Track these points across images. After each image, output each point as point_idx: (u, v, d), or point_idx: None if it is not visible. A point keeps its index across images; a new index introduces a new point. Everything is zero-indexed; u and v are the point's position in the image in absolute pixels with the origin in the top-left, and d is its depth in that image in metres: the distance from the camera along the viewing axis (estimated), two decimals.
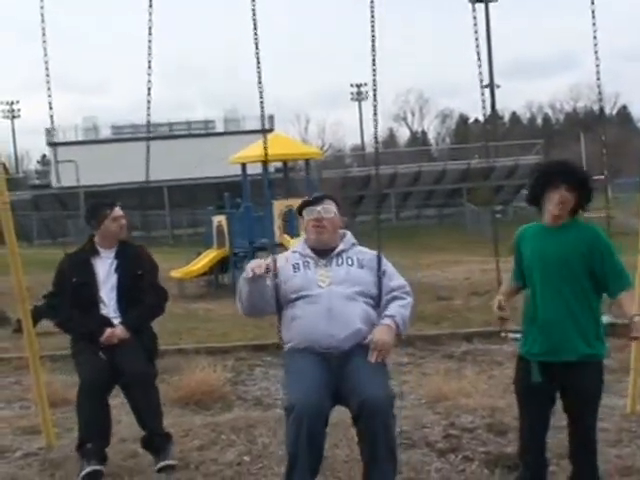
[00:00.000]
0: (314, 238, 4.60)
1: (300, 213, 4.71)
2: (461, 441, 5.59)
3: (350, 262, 4.57)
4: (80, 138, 50.31)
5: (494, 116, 65.90)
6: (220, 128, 51.95)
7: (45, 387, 5.96)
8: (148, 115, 5.18)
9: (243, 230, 18.79)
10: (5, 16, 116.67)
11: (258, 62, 4.67)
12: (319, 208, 4.61)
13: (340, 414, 6.18)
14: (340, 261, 4.57)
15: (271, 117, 49.64)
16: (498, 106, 69.19)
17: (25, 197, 45.69)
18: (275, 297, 4.51)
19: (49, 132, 49.07)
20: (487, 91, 65.56)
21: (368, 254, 4.67)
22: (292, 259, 4.60)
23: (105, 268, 5.40)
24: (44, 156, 73.92)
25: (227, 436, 5.89)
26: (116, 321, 5.31)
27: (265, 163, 16.74)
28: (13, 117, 79.45)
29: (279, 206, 17.80)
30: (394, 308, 4.52)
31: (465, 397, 6.66)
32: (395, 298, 4.57)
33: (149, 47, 4.90)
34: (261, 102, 4.76)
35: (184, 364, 8.07)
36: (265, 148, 5.57)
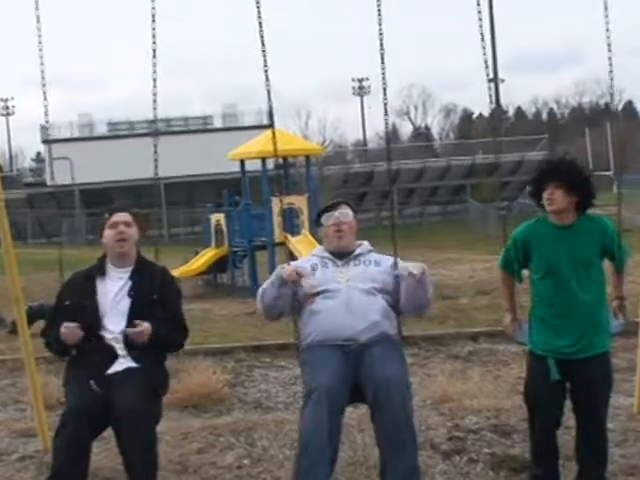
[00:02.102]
0: (335, 244, 4.87)
1: (318, 222, 4.98)
2: (466, 443, 5.60)
3: (367, 263, 4.83)
4: (75, 135, 50.30)
5: (498, 111, 65.80)
6: (218, 124, 51.96)
7: (41, 389, 5.96)
8: (154, 109, 4.80)
9: (242, 228, 18.79)
10: None
11: (265, 63, 4.73)
12: (336, 213, 4.90)
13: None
14: (357, 262, 4.83)
15: (270, 112, 49.62)
16: (503, 100, 69.14)
17: (19, 196, 45.70)
18: (292, 298, 4.71)
19: (44, 129, 49.11)
20: (492, 84, 65.53)
21: (384, 257, 4.90)
22: (310, 261, 4.87)
23: (114, 290, 4.64)
24: (39, 154, 73.99)
25: (226, 439, 5.90)
26: (122, 353, 4.53)
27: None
28: (8, 114, 79.53)
29: (278, 203, 17.77)
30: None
31: (470, 398, 6.66)
32: None
33: (153, 36, 4.64)
34: (268, 92, 4.92)
35: (182, 366, 8.09)
36: (274, 142, 5.44)
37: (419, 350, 9.38)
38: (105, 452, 5.26)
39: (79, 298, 4.63)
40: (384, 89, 4.91)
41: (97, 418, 4.31)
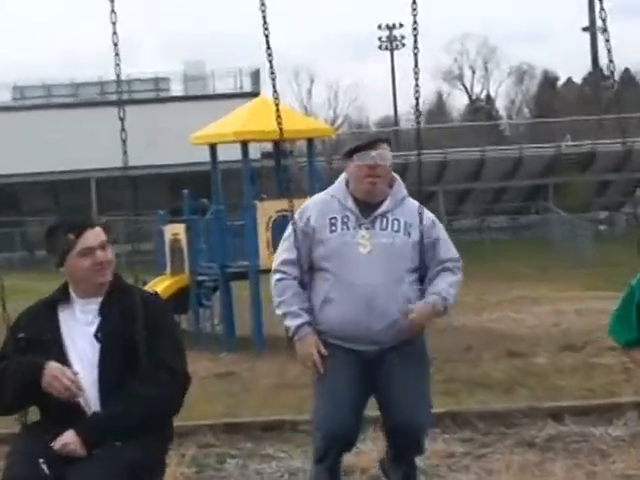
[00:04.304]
0: (366, 190, 5.75)
1: (347, 157, 5.84)
2: None
3: (396, 227, 5.75)
4: None
5: (597, 76, 66.08)
6: (177, 90, 52.15)
7: None
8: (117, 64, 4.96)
9: (211, 247, 18.77)
10: None
11: None
12: (374, 153, 5.76)
13: None
14: (384, 223, 5.77)
15: (256, 73, 49.82)
16: (604, 60, 69.12)
17: None
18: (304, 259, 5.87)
19: None
20: (586, 37, 65.76)
21: (418, 215, 5.83)
22: (329, 209, 5.81)
23: (81, 328, 4.91)
24: None
25: None
26: None
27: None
28: None
29: (267, 210, 17.77)
30: (442, 285, 5.89)
31: None
32: (445, 271, 5.92)
33: None
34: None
35: None
36: (278, 117, 5.98)
37: (474, 433, 9.35)
38: None
39: (37, 333, 4.88)
40: (415, 38, 5.68)
41: None
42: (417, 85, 5.86)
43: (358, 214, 5.76)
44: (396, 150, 53.02)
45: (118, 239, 45.24)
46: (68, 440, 4.65)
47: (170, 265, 19.27)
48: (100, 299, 4.93)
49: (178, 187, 23.49)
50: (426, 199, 47.43)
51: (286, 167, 20.43)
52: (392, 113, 76.91)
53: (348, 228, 5.74)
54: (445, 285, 5.88)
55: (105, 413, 4.75)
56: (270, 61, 5.72)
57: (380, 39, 77.10)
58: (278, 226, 17.83)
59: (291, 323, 5.83)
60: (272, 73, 5.81)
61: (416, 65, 5.77)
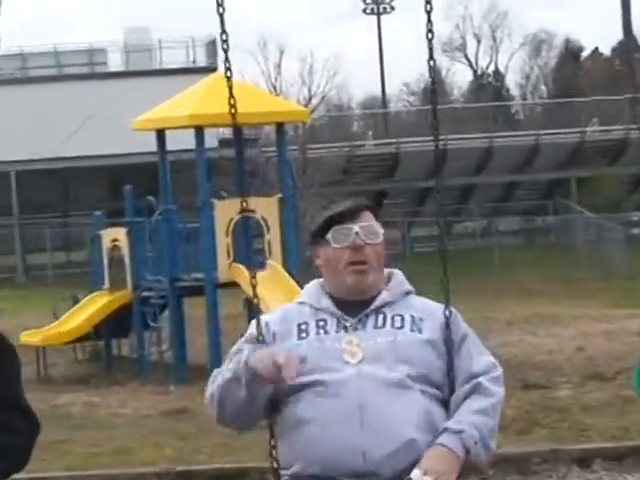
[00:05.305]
0: (352, 283, 4.63)
1: (317, 238, 4.74)
2: None
3: (398, 323, 4.61)
4: None
5: (628, 44, 66.27)
6: (116, 64, 52.01)
7: None
8: None
9: (159, 255, 18.71)
10: None
11: None
12: (357, 228, 4.65)
13: None
14: (380, 321, 4.62)
15: (212, 44, 49.76)
16: (636, 28, 69.44)
17: None
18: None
19: None
20: None
21: (431, 310, 4.73)
22: (296, 315, 4.69)
23: None
24: None
25: None
26: None
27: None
28: None
29: (226, 210, 17.74)
30: (467, 415, 4.55)
31: None
32: (474, 392, 4.60)
33: None
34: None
35: None
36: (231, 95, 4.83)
37: None
38: None
39: None
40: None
41: None
42: (432, 65, 4.69)
43: (340, 314, 4.60)
44: (385, 137, 53.08)
45: (44, 246, 45.20)
46: None
47: (109, 278, 19.23)
48: None
49: (118, 182, 23.51)
50: (420, 198, 47.57)
51: (250, 158, 20.39)
52: (379, 91, 76.71)
53: (327, 332, 4.58)
54: (472, 413, 4.52)
55: None
56: (221, 19, 4.59)
57: (364, 1, 77.14)
58: (240, 230, 17.85)
59: (228, 373, 4.50)
60: (224, 42, 4.76)
61: (431, 57, 4.68)
